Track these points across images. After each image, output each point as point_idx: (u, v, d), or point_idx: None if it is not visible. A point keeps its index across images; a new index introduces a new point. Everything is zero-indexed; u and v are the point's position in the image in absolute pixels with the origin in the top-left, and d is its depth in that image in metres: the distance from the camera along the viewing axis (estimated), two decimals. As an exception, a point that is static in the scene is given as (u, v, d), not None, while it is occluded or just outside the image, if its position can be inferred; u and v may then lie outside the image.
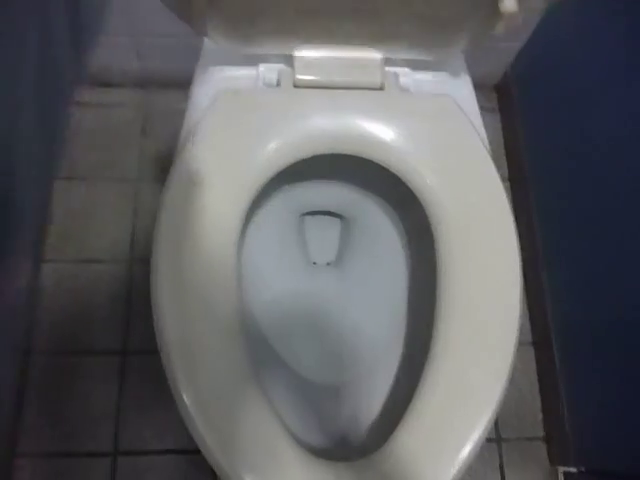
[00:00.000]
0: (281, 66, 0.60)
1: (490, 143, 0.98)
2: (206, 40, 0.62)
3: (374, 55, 0.59)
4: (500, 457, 0.87)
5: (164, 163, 0.94)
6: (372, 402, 0.59)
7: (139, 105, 1.01)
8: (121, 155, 0.98)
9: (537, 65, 0.96)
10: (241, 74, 0.60)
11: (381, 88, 0.58)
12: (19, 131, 0.66)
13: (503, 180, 0.56)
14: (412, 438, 0.47)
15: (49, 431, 0.83)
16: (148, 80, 1.00)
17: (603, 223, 0.76)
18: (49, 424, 0.83)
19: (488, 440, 0.87)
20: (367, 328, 0.67)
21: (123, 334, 0.88)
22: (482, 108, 1.08)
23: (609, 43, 0.74)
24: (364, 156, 0.58)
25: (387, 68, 0.59)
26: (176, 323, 0.48)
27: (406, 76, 0.60)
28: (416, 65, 0.61)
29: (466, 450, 0.47)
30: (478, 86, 1.13)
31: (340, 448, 0.56)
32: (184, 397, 0.46)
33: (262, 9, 0.53)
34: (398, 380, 0.59)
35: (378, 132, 0.56)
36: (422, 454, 0.47)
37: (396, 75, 0.59)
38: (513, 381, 0.89)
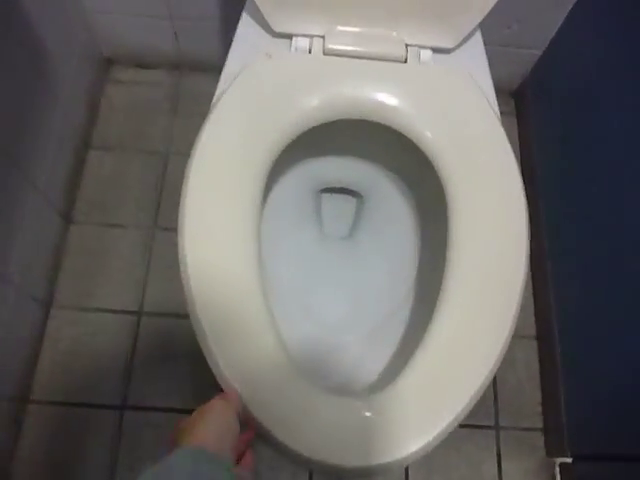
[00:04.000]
0: (313, 37, 0.64)
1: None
2: (242, 19, 0.66)
3: (399, 32, 0.63)
4: (497, 445, 0.88)
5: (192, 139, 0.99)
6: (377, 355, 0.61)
7: (172, 85, 1.07)
8: (150, 130, 1.04)
9: (554, 73, 1.00)
10: (275, 42, 0.65)
11: (405, 61, 0.62)
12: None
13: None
14: (416, 382, 0.49)
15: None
16: (182, 62, 1.06)
17: (607, 220, 0.78)
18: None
19: (487, 427, 0.89)
20: (368, 290, 0.70)
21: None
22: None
23: (627, 53, 0.77)
24: (385, 122, 0.61)
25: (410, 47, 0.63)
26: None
27: (427, 54, 0.64)
28: (437, 50, 0.66)
29: (463, 403, 0.48)
30: (496, 91, 1.16)
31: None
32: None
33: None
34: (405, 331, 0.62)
35: (399, 100, 0.60)
36: (421, 401, 0.49)
37: (418, 51, 0.64)
38: (515, 372, 0.92)
